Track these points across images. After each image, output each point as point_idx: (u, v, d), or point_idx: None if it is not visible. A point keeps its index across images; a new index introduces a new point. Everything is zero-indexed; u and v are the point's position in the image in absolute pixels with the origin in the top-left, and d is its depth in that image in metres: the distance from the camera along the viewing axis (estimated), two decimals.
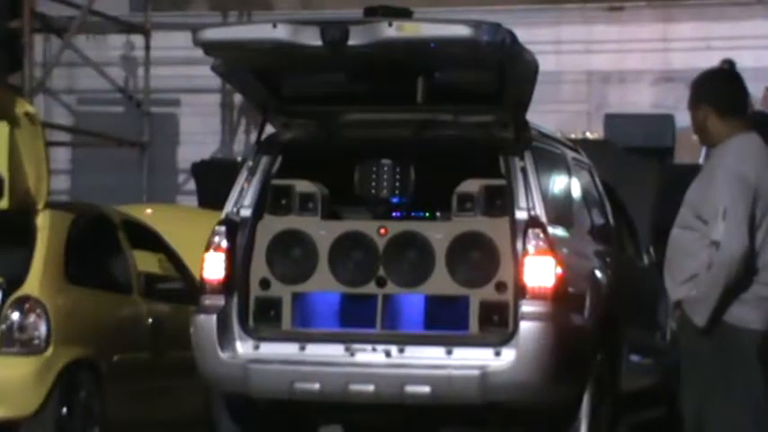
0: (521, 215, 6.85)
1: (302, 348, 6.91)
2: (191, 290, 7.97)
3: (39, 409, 7.17)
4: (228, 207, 7.17)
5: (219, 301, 6.98)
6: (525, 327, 6.66)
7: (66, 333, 7.33)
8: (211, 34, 6.82)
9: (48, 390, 7.19)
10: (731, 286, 5.18)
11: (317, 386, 6.78)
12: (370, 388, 6.74)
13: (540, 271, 6.74)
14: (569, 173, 7.68)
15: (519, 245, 6.77)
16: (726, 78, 5.54)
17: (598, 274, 7.47)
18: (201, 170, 14.34)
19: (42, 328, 7.24)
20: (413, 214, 7.18)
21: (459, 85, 7.04)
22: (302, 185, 7.15)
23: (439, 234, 6.94)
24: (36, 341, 7.23)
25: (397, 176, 7.07)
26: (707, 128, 5.38)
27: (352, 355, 6.83)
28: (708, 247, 5.21)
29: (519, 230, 6.79)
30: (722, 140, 5.36)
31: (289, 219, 7.12)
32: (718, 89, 5.40)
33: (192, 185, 15.09)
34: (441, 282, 6.89)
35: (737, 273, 5.17)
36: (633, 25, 15.34)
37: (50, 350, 7.25)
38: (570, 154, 7.83)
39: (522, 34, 6.89)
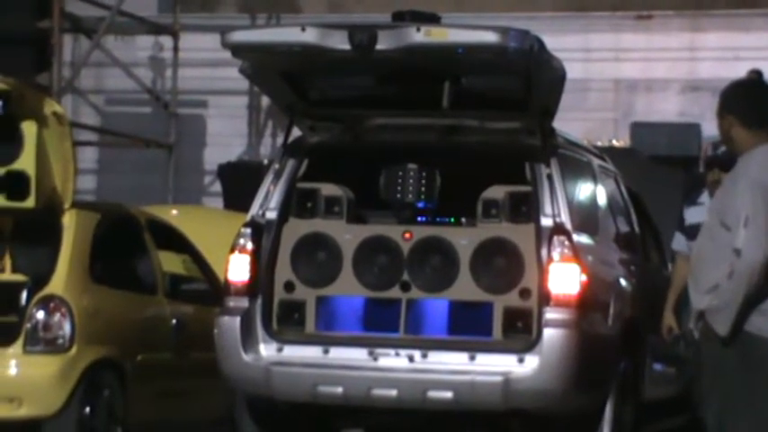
0: (546, 222, 6.84)
1: (325, 352, 6.92)
2: (215, 291, 7.98)
3: (62, 409, 7.20)
4: (254, 209, 7.18)
5: (243, 303, 6.99)
6: (549, 334, 6.66)
7: (90, 332, 7.36)
8: (239, 36, 6.84)
9: (71, 389, 7.22)
10: (752, 294, 5.17)
11: (339, 390, 6.79)
12: (393, 393, 6.74)
13: (565, 278, 6.74)
14: (595, 180, 7.67)
15: (544, 252, 6.77)
16: (752, 89, 5.53)
17: (622, 282, 7.46)
18: (227, 172, 14.39)
19: (67, 328, 7.26)
20: (438, 219, 7.18)
21: (486, 91, 7.04)
22: (328, 189, 7.16)
23: (464, 240, 6.93)
24: (60, 340, 7.26)
25: (423, 181, 7.07)
26: (732, 137, 5.39)
27: (376, 359, 6.84)
28: (730, 256, 5.20)
29: (544, 237, 6.79)
30: (747, 150, 5.36)
31: (314, 222, 7.13)
32: (744, 100, 5.40)
33: (217, 187, 15.13)
34: (465, 287, 6.89)
35: (758, 281, 5.15)
36: (661, 34, 15.31)
37: (74, 349, 7.27)
38: (596, 161, 7.82)
39: (550, 41, 6.88)
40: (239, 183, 12.70)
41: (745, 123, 5.34)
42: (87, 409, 7.31)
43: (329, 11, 15.88)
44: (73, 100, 15.99)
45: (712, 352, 5.31)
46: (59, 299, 7.30)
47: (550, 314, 6.68)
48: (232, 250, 7.09)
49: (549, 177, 6.92)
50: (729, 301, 5.20)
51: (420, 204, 7.13)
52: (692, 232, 7.03)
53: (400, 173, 7.09)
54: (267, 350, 6.96)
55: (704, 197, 7.50)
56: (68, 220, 7.60)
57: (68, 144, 7.68)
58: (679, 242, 7.53)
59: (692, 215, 7.43)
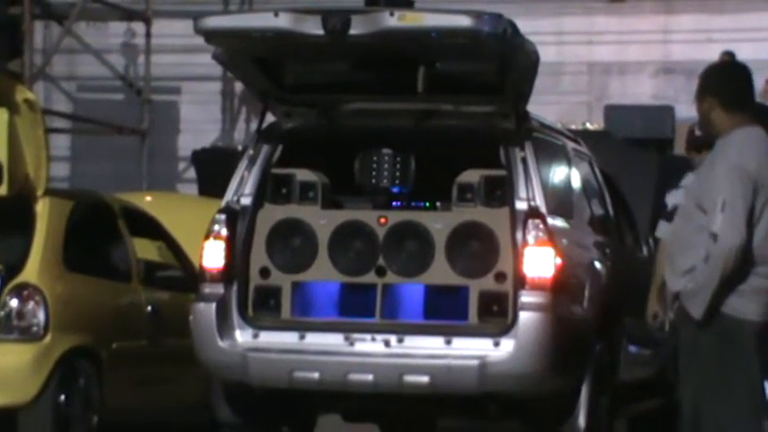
0: (521, 206, 6.85)
1: (302, 337, 6.91)
2: (190, 278, 7.96)
3: (36, 397, 7.18)
4: (229, 195, 7.17)
5: (219, 289, 6.98)
6: (524, 317, 6.67)
7: (64, 320, 7.33)
8: (212, 22, 6.81)
9: (46, 377, 7.20)
10: (727, 278, 5.19)
11: (316, 375, 6.79)
12: (369, 377, 6.74)
13: (540, 261, 6.75)
14: (569, 164, 7.67)
15: (519, 235, 6.77)
16: (733, 72, 5.54)
17: (597, 264, 7.47)
18: (202, 158, 14.35)
19: (41, 316, 7.24)
20: (413, 204, 7.18)
21: (461, 76, 7.04)
22: (303, 174, 7.15)
23: (439, 224, 6.94)
24: (34, 328, 7.23)
25: (398, 166, 7.06)
26: (711, 119, 5.40)
27: (352, 344, 6.84)
28: (707, 240, 5.22)
29: (519, 221, 6.79)
30: (726, 132, 5.37)
31: (289, 208, 7.12)
32: (725, 82, 5.41)
33: (192, 173, 15.09)
34: (440, 271, 6.89)
35: (734, 265, 5.17)
36: (634, 17, 15.34)
37: (49, 337, 7.25)
38: (570, 145, 7.82)
39: (524, 25, 6.88)
40: (213, 169, 12.66)
41: (725, 105, 5.35)
42: (62, 397, 7.29)
43: None
44: (45, 87, 15.91)
45: (688, 334, 5.33)
46: (33, 287, 7.27)
47: (526, 297, 6.69)
48: (207, 237, 7.07)
49: (524, 161, 6.93)
50: (704, 284, 5.22)
51: (395, 189, 7.12)
52: (674, 214, 7.01)
53: (375, 158, 7.08)
54: (243, 336, 6.95)
55: (687, 180, 7.48)
56: (41, 207, 7.57)
57: (41, 131, 7.64)
58: (661, 229, 7.52)
59: (672, 199, 7.43)
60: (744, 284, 5.24)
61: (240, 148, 13.53)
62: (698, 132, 7.29)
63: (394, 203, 7.17)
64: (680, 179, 7.56)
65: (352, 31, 6.57)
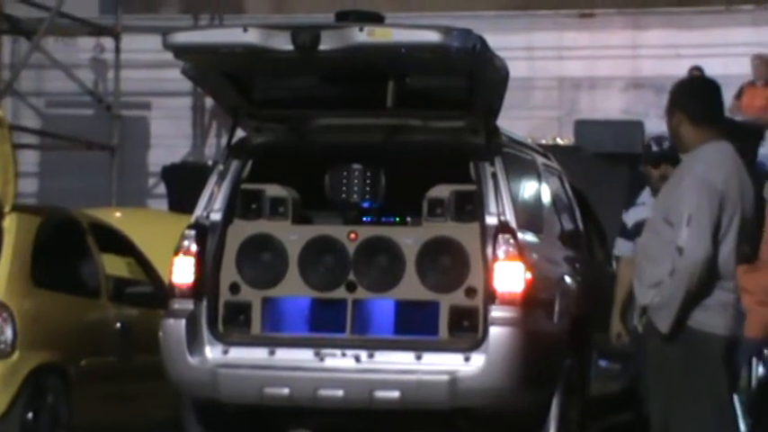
0: (491, 221, 6.86)
1: (272, 353, 6.90)
2: (160, 294, 7.93)
3: (4, 414, 7.12)
4: (198, 211, 7.15)
5: (189, 305, 6.96)
6: (495, 332, 6.68)
7: (32, 337, 7.29)
8: (181, 38, 6.80)
9: (13, 394, 7.15)
10: (693, 292, 5.21)
11: (286, 391, 6.77)
12: (340, 393, 6.74)
13: (510, 276, 6.76)
14: (539, 179, 7.69)
15: (489, 250, 6.79)
16: (702, 87, 5.58)
17: (567, 279, 7.49)
18: (172, 174, 14.32)
19: (8, 333, 7.19)
20: (383, 219, 7.18)
21: (430, 91, 7.05)
22: (273, 190, 7.14)
23: (409, 239, 6.94)
24: (2, 345, 7.19)
25: (368, 181, 7.07)
26: (680, 134, 5.44)
27: (322, 360, 6.83)
28: (673, 253, 5.24)
29: (489, 236, 6.81)
30: (694, 147, 5.41)
31: (259, 223, 7.11)
32: (693, 97, 5.45)
33: (162, 189, 15.05)
34: (411, 287, 6.89)
35: (699, 279, 5.20)
36: (604, 32, 15.42)
37: (16, 354, 7.20)
38: (540, 160, 7.85)
39: (494, 40, 6.90)
40: (184, 184, 12.63)
41: (694, 120, 5.38)
42: (30, 415, 7.24)
43: (273, 11, 15.84)
44: (13, 102, 15.85)
45: (656, 348, 5.35)
46: (0, 303, 7.22)
47: (496, 312, 6.70)
48: (176, 252, 7.05)
49: (494, 176, 6.94)
50: (671, 298, 5.24)
51: (365, 204, 7.12)
52: (635, 231, 7.04)
53: (345, 173, 7.08)
54: (213, 352, 6.93)
55: (644, 197, 7.51)
56: (9, 223, 7.52)
57: (8, 147, 7.60)
58: (620, 247, 7.54)
59: (632, 216, 7.45)
60: (710, 298, 5.26)
61: (210, 163, 13.51)
62: (654, 147, 7.33)
63: (364, 219, 7.17)
64: (637, 196, 7.58)
65: (322, 47, 6.57)
